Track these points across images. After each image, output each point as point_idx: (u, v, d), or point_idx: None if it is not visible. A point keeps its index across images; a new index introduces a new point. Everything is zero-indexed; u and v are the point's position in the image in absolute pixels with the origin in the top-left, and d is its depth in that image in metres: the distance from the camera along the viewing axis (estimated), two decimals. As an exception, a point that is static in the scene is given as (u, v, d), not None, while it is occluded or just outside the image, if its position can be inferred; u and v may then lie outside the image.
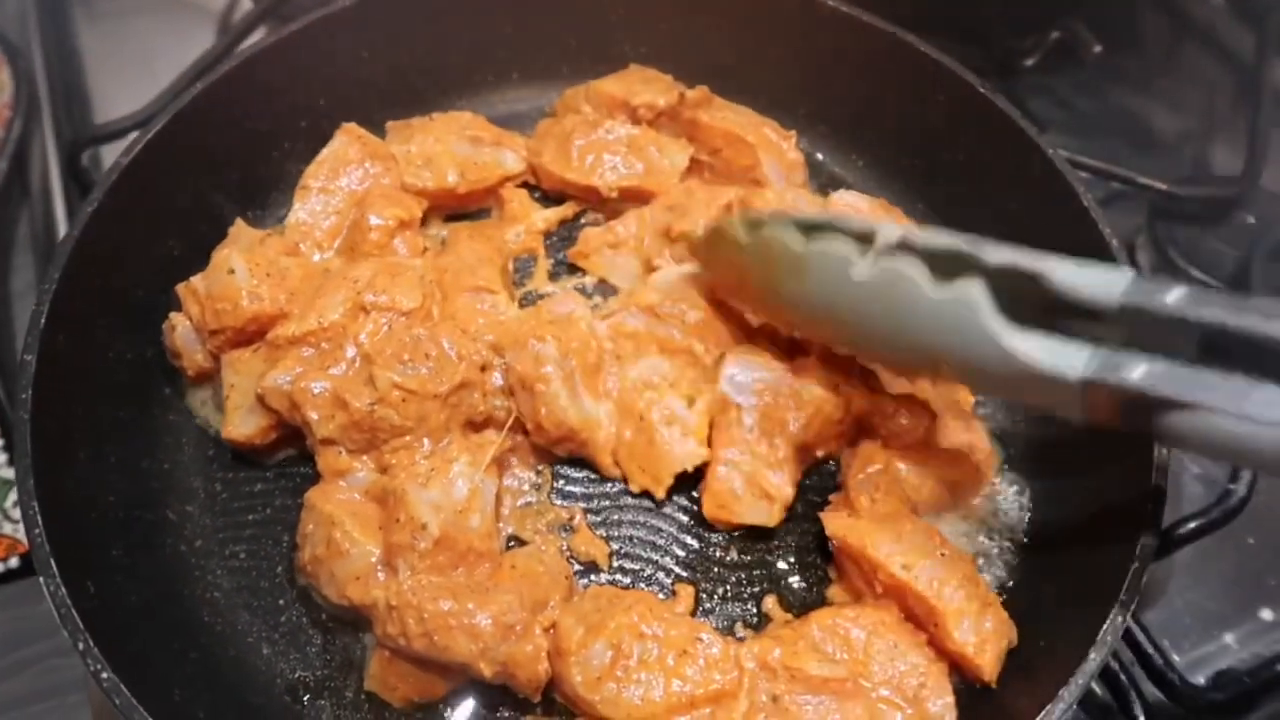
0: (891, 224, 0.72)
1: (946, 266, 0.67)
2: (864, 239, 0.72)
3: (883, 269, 0.68)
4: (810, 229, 0.74)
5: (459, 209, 1.02)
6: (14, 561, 0.90)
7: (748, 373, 0.83)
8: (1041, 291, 0.64)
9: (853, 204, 0.95)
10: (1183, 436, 0.57)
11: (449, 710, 0.75)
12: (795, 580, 0.82)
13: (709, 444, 0.83)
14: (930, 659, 0.72)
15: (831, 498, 0.84)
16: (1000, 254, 0.66)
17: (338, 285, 0.85)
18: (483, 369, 0.84)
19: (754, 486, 0.81)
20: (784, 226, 0.75)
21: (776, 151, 0.99)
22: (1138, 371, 0.57)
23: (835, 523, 0.78)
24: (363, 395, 0.79)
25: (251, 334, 0.85)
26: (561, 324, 0.85)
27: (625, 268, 0.97)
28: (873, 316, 0.70)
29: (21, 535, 0.91)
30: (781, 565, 0.83)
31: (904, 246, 0.70)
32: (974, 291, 0.63)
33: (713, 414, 0.83)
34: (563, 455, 0.86)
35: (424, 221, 0.98)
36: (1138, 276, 0.61)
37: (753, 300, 0.84)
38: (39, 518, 0.66)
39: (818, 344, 0.84)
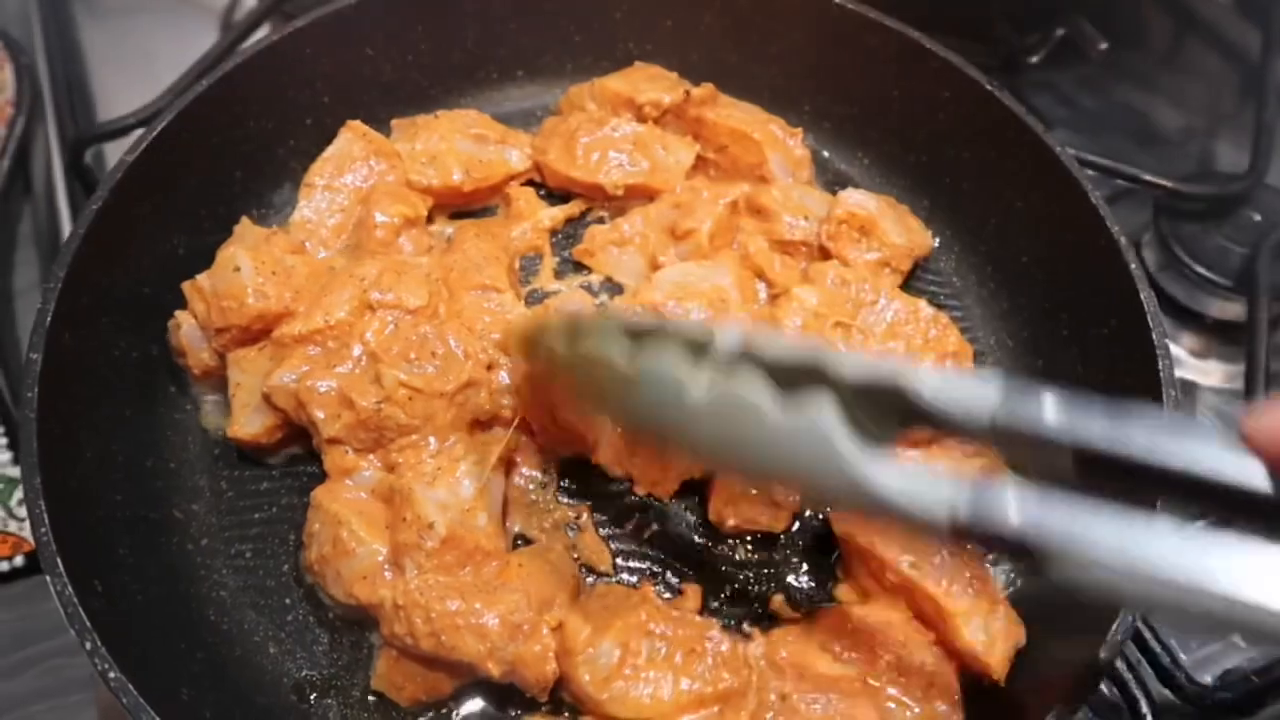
0: (732, 329, 0.63)
1: (796, 379, 0.59)
2: (700, 347, 0.63)
3: (720, 392, 0.59)
4: (639, 336, 0.65)
5: (464, 207, 1.01)
6: (19, 560, 0.90)
7: None
8: (905, 403, 0.57)
9: (860, 203, 0.95)
10: (1068, 582, 0.50)
11: (456, 709, 0.75)
12: (803, 579, 0.82)
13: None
14: (938, 658, 0.72)
15: None
16: (856, 366, 0.58)
17: (344, 283, 0.85)
18: (489, 367, 0.84)
19: (762, 493, 0.80)
20: (609, 338, 0.66)
21: (783, 148, 0.99)
22: (1011, 511, 0.51)
23: (843, 521, 0.78)
24: (369, 394, 0.79)
25: (257, 332, 0.85)
26: None
27: (630, 265, 0.97)
28: (712, 439, 0.62)
29: (27, 534, 0.91)
30: (789, 564, 0.82)
31: (746, 357, 0.62)
32: (824, 415, 0.55)
33: None
34: (568, 455, 0.86)
35: (429, 219, 0.98)
36: (1008, 387, 0.55)
37: (581, 410, 0.76)
38: (45, 516, 0.66)
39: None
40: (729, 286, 0.91)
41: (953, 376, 0.57)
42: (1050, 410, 0.52)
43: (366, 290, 0.84)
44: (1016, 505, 0.51)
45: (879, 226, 0.94)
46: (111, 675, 0.61)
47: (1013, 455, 0.55)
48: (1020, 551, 0.51)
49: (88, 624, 0.62)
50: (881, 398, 0.58)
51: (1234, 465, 0.48)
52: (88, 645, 0.62)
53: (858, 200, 0.95)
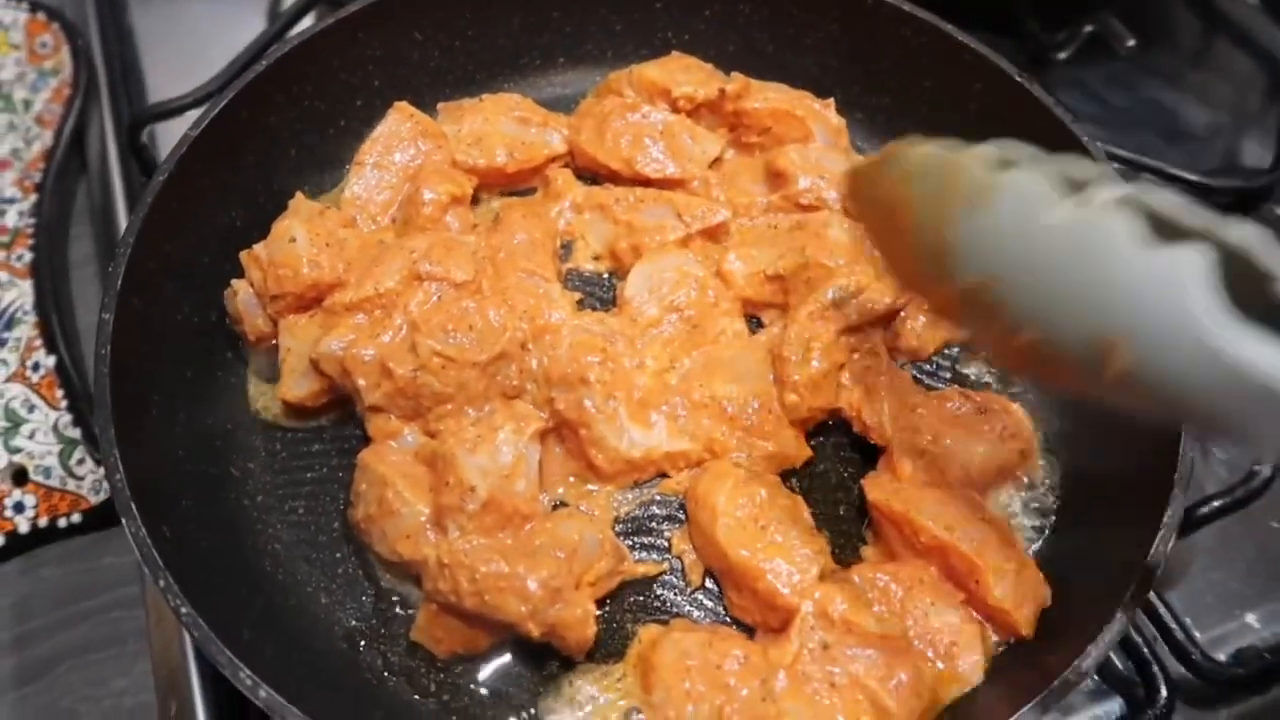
0: (1115, 181, 0.55)
1: (1167, 232, 0.51)
2: (1074, 187, 0.55)
3: (1083, 216, 0.52)
4: (1007, 164, 0.59)
5: (508, 188, 1.04)
6: (76, 517, 0.94)
7: None
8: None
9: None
10: None
11: (492, 662, 0.78)
12: (830, 540, 0.83)
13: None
14: (964, 619, 0.75)
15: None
16: (1241, 232, 0.51)
17: (395, 254, 0.88)
18: (523, 346, 0.86)
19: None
20: (974, 151, 0.61)
21: (822, 119, 1.02)
22: None
23: (878, 489, 0.80)
24: (406, 362, 0.82)
25: (310, 300, 0.88)
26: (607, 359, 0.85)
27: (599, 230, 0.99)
28: (1054, 274, 0.54)
29: (85, 491, 0.95)
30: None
31: (1123, 202, 0.54)
32: (1191, 265, 0.47)
33: None
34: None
35: (474, 200, 1.01)
36: None
37: (906, 248, 0.67)
38: (120, 464, 0.69)
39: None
40: (688, 260, 0.93)
41: None
42: None
43: (416, 262, 0.87)
44: None
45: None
46: (184, 611, 0.64)
47: None
48: None
49: (160, 563, 0.66)
50: (1253, 272, 0.49)
51: None
52: (161, 583, 0.65)
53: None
